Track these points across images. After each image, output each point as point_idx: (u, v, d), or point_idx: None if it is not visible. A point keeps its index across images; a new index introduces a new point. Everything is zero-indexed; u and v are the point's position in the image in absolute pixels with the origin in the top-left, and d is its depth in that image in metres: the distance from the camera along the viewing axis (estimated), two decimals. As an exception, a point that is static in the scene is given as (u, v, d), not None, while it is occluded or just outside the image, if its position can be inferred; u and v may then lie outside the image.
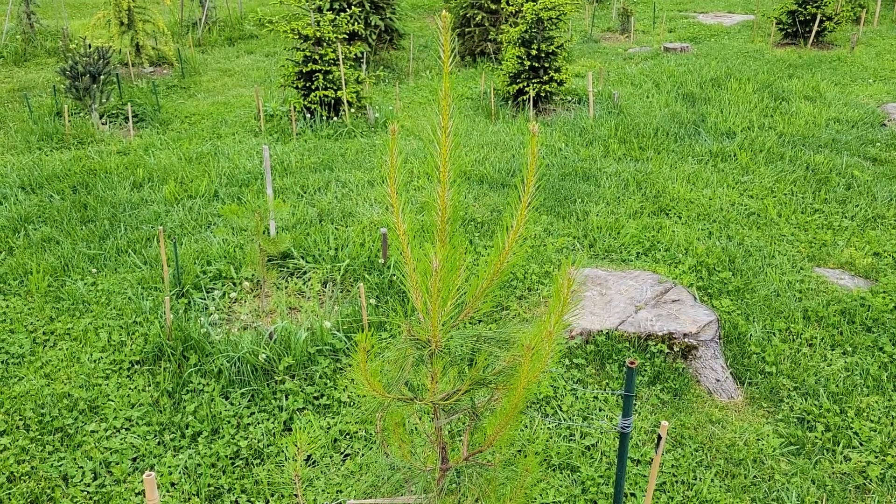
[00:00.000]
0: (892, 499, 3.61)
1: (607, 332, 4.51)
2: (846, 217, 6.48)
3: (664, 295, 4.89)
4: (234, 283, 5.22)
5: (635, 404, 4.16)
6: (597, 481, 3.64)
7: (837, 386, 4.31)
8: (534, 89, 9.43)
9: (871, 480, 3.70)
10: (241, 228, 5.94)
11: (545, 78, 9.52)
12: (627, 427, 2.58)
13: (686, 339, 4.41)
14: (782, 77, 10.96)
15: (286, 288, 5.19)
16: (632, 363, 2.45)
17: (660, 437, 2.54)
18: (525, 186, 1.98)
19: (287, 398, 4.08)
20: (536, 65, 9.48)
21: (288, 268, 5.40)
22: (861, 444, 3.92)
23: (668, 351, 4.41)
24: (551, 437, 3.91)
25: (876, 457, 3.83)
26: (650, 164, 7.57)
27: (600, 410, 4.12)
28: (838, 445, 3.91)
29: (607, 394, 4.12)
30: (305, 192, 6.78)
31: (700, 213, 6.43)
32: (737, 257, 5.63)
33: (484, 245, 5.74)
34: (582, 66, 12.59)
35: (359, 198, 6.67)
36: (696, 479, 3.68)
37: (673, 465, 3.76)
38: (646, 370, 4.35)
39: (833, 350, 4.66)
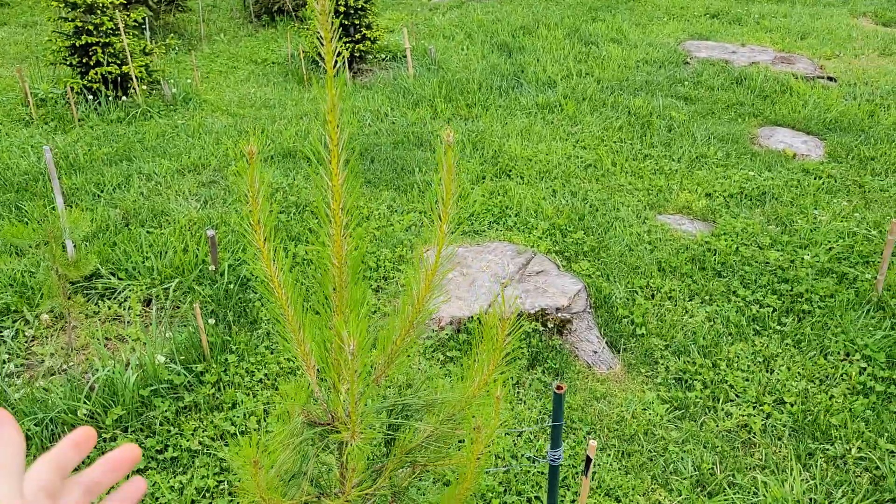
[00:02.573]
0: (776, 448, 3.65)
1: (478, 318, 4.19)
2: (673, 160, 6.63)
3: (527, 267, 4.65)
4: (28, 320, 4.27)
5: (517, 392, 3.90)
6: (496, 490, 3.34)
7: (705, 339, 4.32)
8: (347, 49, 8.80)
9: (754, 434, 3.71)
10: (28, 245, 4.90)
11: (357, 37, 8.91)
12: (557, 458, 2.25)
13: (560, 314, 4.20)
14: (587, 21, 11.14)
15: (98, 315, 4.34)
16: (560, 388, 2.11)
17: (589, 459, 2.24)
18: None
19: (122, 459, 3.35)
20: (346, 22, 8.83)
21: (97, 289, 4.52)
22: (738, 397, 3.94)
23: (543, 328, 4.18)
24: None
25: (754, 408, 3.87)
26: (481, 123, 7.30)
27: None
28: (718, 402, 3.91)
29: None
30: (102, 192, 5.77)
31: (540, 170, 6.27)
32: (585, 214, 5.53)
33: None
34: (389, 19, 12.06)
35: (170, 192, 5.79)
36: (595, 466, 3.49)
37: (570, 457, 3.54)
38: (523, 352, 4.09)
39: (692, 300, 4.68)
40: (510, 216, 5.48)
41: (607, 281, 4.78)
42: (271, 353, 4.05)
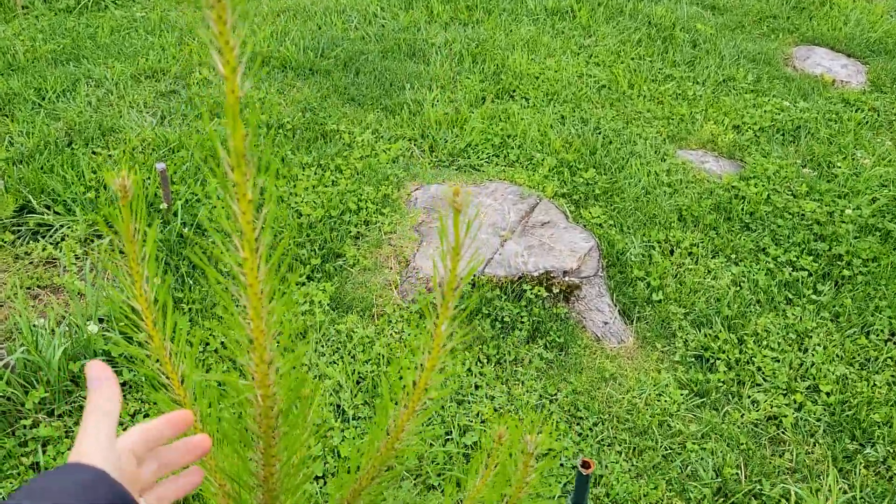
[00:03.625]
0: (809, 447, 3.17)
1: (472, 279, 3.60)
2: (698, 82, 5.88)
3: (530, 215, 4.02)
4: (-54, 262, 3.65)
5: (515, 370, 3.37)
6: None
7: (730, 307, 3.77)
8: (333, -67, 7.73)
9: (784, 429, 3.23)
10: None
11: (345, -82, 7.81)
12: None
13: (567, 279, 3.61)
14: None
15: (28, 257, 3.72)
16: (586, 466, 1.54)
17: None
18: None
19: (45, 450, 2.83)
20: None
21: (28, 225, 3.88)
22: (766, 381, 3.44)
23: (548, 294, 3.61)
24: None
25: (784, 395, 3.37)
26: (482, 29, 6.44)
27: (477, 388, 3.28)
28: (743, 387, 3.40)
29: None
30: (44, 99, 5.00)
31: (548, 91, 5.52)
32: (597, 148, 4.85)
33: (300, 163, 4.48)
34: None
35: (122, 103, 5.02)
36: (603, 468, 3.01)
37: (575, 455, 3.05)
38: (523, 322, 3.53)
39: (715, 258, 4.10)
40: (512, 148, 4.78)
41: (621, 233, 4.17)
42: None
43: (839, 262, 4.08)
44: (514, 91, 5.50)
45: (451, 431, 3.07)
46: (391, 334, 3.44)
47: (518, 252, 3.71)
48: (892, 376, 3.46)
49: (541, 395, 3.28)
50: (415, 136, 4.86)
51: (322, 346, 3.37)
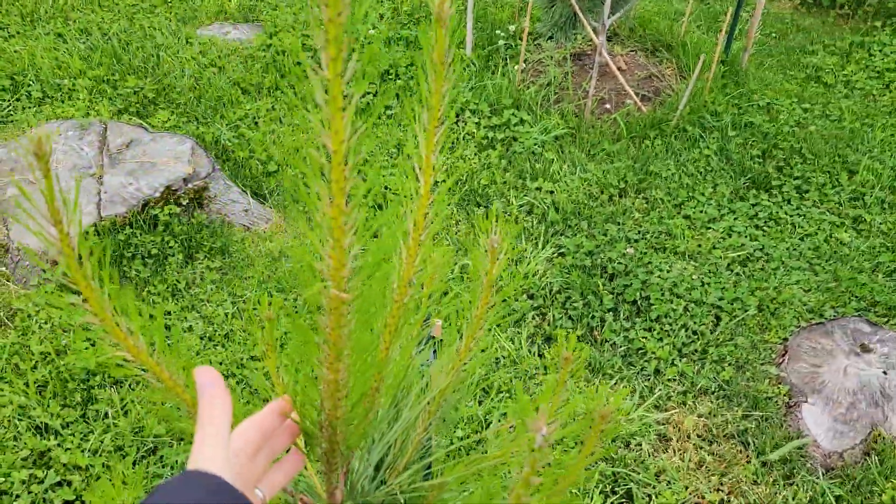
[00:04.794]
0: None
1: (93, 227, 3.17)
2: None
3: (107, 142, 3.59)
4: None
5: (195, 292, 3.17)
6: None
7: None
8: None
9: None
10: None
11: None
12: None
13: (190, 185, 3.42)
14: None
15: None
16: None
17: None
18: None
19: None
20: None
21: None
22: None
23: (181, 208, 3.38)
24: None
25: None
26: None
27: (170, 328, 3.02)
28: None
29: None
30: None
31: (21, 12, 4.70)
32: (120, 54, 4.42)
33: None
34: None
35: None
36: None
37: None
38: (172, 246, 3.27)
39: (293, 112, 4.27)
40: (31, 84, 4.08)
41: (203, 125, 4.02)
42: None
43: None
44: (-19, 23, 4.57)
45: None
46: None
47: (124, 182, 3.35)
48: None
49: (232, 302, 3.19)
50: None
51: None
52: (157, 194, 3.33)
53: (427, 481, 0.97)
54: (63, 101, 3.99)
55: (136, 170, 3.44)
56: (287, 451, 0.80)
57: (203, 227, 3.40)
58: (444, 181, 0.77)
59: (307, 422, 0.79)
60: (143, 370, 0.80)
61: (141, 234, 3.25)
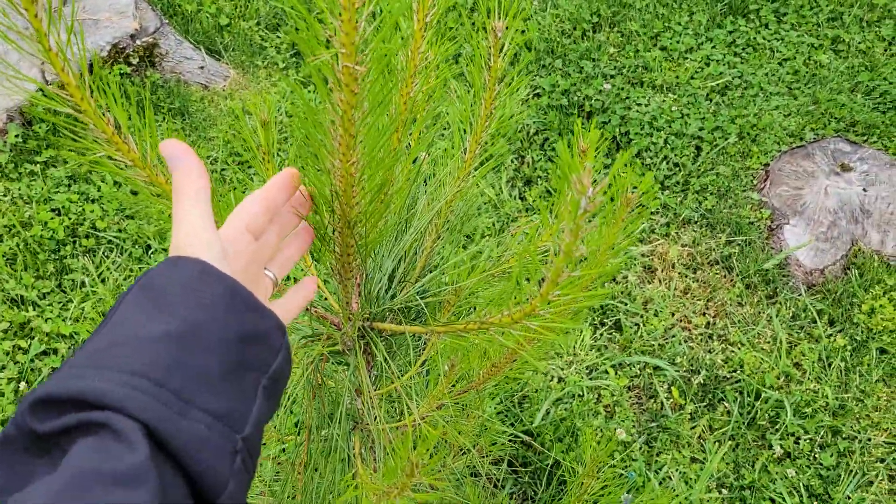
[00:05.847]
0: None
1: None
2: None
3: (63, 6, 3.29)
4: None
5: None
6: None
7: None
8: None
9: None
10: None
11: None
12: None
13: (138, 42, 3.17)
14: None
15: None
16: None
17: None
18: None
19: None
20: None
21: None
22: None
23: (132, 68, 3.15)
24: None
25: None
26: None
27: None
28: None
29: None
30: None
31: None
32: None
33: None
34: None
35: None
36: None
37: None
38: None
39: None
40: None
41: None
42: None
43: None
44: None
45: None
46: None
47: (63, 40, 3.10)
48: None
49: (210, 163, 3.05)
50: None
51: None
52: (105, 53, 3.10)
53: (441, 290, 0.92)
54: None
55: (83, 22, 3.17)
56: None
57: (158, 87, 3.20)
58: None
59: (319, 199, 0.71)
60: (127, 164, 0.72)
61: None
